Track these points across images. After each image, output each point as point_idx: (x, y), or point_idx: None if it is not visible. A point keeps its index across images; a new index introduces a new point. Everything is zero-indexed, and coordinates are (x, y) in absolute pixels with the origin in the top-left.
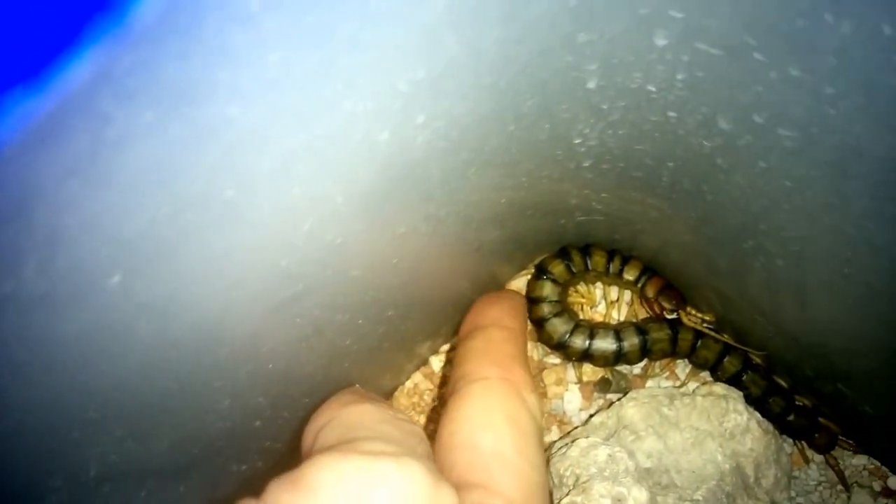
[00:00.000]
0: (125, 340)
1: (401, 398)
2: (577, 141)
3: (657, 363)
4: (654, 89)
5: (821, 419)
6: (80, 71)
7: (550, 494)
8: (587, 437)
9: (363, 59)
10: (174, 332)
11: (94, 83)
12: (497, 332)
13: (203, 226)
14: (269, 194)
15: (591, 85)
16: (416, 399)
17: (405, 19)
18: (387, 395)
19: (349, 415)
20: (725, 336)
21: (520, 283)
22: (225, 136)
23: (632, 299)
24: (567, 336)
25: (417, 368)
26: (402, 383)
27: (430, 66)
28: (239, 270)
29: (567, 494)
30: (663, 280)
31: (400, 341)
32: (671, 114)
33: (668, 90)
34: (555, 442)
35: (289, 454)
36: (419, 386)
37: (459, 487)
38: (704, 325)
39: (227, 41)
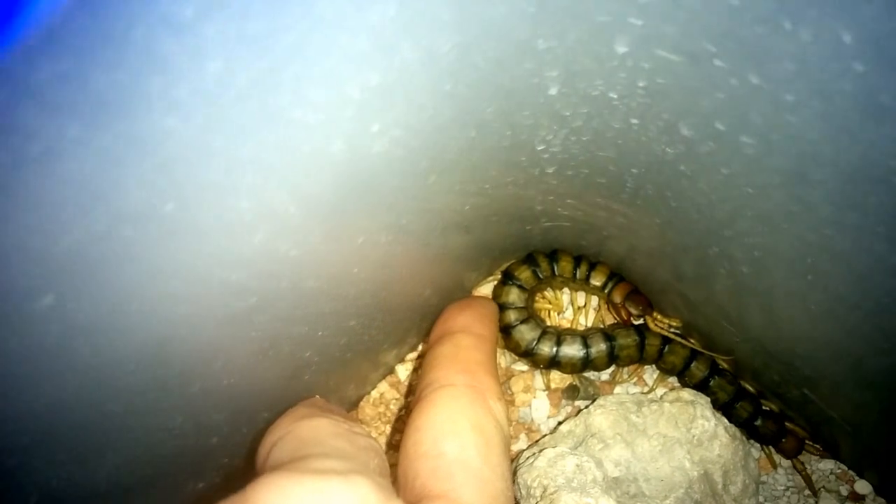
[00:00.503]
0: (60, 362)
1: (366, 408)
2: (540, 147)
3: (625, 369)
4: (615, 96)
5: (788, 424)
6: None
7: None
8: (555, 446)
9: (311, 66)
10: (115, 352)
11: (12, 96)
12: (466, 339)
13: (143, 241)
14: (214, 208)
15: (553, 91)
16: (381, 409)
17: (354, 24)
18: (352, 405)
19: (302, 430)
20: (692, 341)
21: (486, 290)
22: (163, 148)
23: (599, 305)
24: (534, 343)
25: (383, 377)
26: (368, 393)
27: (383, 72)
28: (185, 286)
29: None
30: (630, 285)
31: (364, 351)
32: (634, 121)
33: (630, 97)
34: (522, 451)
35: (249, 470)
36: (385, 395)
37: (422, 497)
38: (671, 330)
39: (160, 50)
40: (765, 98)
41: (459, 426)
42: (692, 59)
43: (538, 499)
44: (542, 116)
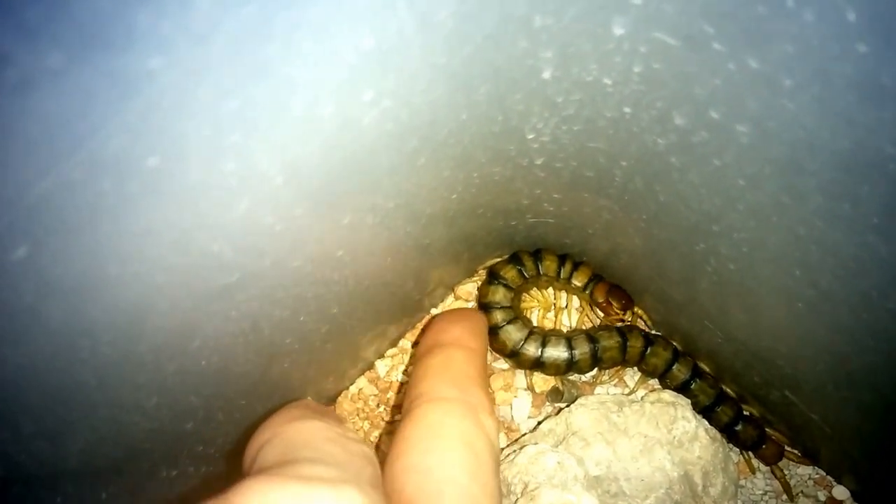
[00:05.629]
0: (32, 323)
1: (344, 403)
2: (530, 136)
3: (606, 371)
4: (609, 82)
5: (768, 430)
6: None
7: None
8: (535, 443)
9: (303, 18)
10: (89, 317)
11: None
12: (457, 352)
13: (122, 196)
14: (198, 166)
15: (547, 75)
16: (360, 404)
17: None
18: (330, 400)
19: (293, 432)
20: (662, 337)
21: (469, 289)
22: (147, 91)
23: (581, 306)
24: (521, 344)
25: (362, 373)
26: (346, 388)
27: (378, 35)
28: (164, 252)
29: (515, 502)
30: (609, 283)
31: (344, 342)
32: (626, 109)
33: (625, 84)
34: (503, 449)
35: (223, 460)
36: (364, 391)
37: None
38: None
39: None
40: (762, 83)
41: (449, 441)
42: (690, 43)
43: (519, 495)
44: (534, 102)
